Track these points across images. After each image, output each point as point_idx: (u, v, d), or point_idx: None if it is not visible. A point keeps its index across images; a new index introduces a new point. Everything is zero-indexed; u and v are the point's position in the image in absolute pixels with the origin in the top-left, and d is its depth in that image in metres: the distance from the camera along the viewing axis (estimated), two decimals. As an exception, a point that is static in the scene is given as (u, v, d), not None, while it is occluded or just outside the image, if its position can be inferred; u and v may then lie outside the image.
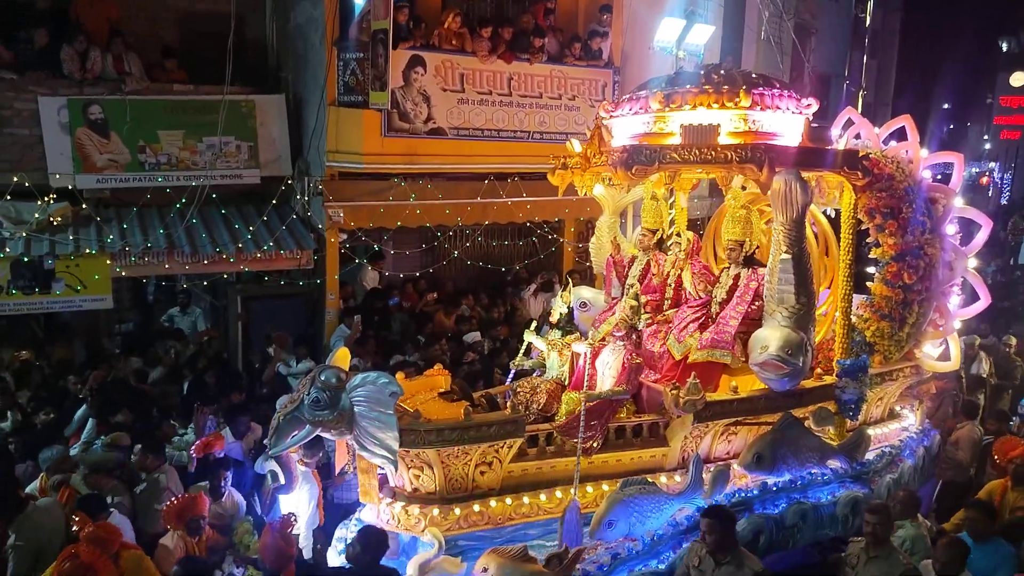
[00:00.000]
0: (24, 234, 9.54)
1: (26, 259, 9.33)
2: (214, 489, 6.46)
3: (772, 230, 6.24)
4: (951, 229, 7.08)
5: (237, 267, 10.62)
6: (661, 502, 5.65)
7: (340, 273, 11.24)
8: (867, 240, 6.97)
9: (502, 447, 5.55)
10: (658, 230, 7.32)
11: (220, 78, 10.25)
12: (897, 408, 7.65)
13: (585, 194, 7.12)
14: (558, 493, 5.78)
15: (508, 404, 5.76)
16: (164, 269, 10.27)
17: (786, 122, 6.30)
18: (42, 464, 6.69)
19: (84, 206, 10.07)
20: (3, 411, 8.13)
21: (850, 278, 6.42)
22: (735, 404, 6.13)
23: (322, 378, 5.17)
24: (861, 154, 6.33)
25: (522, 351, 7.20)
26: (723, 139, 5.96)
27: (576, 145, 6.72)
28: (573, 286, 7.51)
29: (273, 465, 6.72)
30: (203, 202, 10.46)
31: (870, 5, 15.77)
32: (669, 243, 7.34)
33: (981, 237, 7.25)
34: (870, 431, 6.82)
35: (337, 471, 6.41)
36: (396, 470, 5.41)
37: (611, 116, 6.72)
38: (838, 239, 6.80)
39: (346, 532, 5.92)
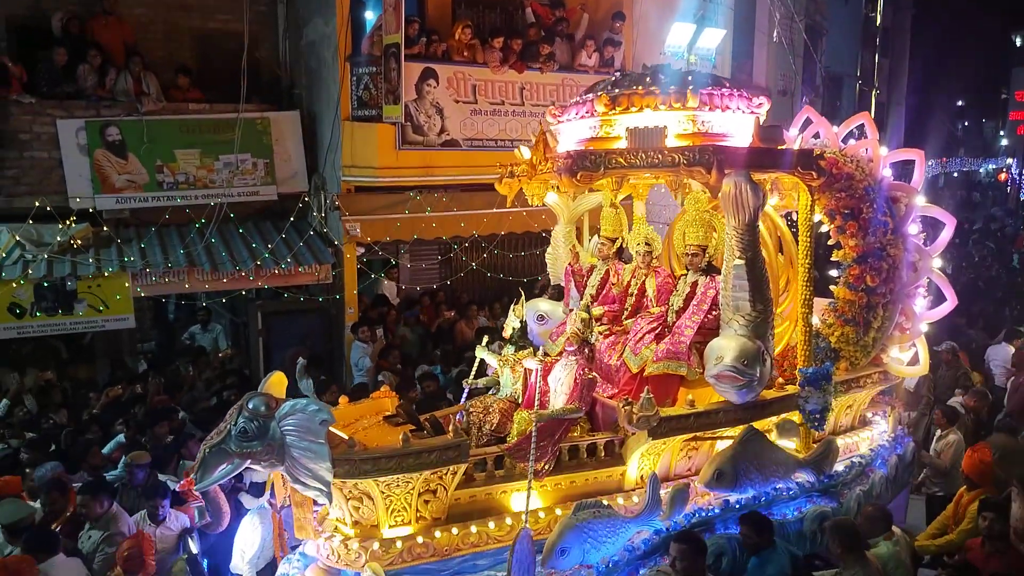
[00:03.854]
0: (46, 256, 9.64)
1: (47, 283, 9.39)
2: (152, 515, 6.09)
3: (725, 235, 5.84)
4: (914, 229, 6.63)
5: (256, 283, 10.65)
6: (617, 526, 5.18)
7: (359, 287, 11.27)
8: (829, 242, 6.62)
9: (446, 474, 5.09)
10: (617, 239, 6.92)
11: (235, 96, 10.39)
12: (868, 415, 7.16)
13: (537, 204, 6.83)
14: (508, 520, 5.28)
15: (451, 427, 5.22)
16: (184, 288, 10.33)
17: (737, 122, 5.92)
18: (36, 480, 6.56)
19: (104, 227, 10.16)
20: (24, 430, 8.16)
21: (810, 282, 6.00)
22: (692, 418, 5.62)
23: (250, 406, 4.73)
24: (816, 153, 5.89)
25: (475, 369, 6.67)
26: (671, 141, 5.63)
27: (526, 152, 6.32)
28: (527, 300, 7.05)
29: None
30: (221, 220, 10.52)
31: (880, 4, 15.61)
32: (636, 250, 6.80)
33: (945, 236, 6.83)
34: (839, 441, 6.37)
35: (278, 505, 5.84)
36: (331, 502, 5.00)
37: (558, 121, 6.41)
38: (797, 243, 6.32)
39: (288, 568, 5.54)
